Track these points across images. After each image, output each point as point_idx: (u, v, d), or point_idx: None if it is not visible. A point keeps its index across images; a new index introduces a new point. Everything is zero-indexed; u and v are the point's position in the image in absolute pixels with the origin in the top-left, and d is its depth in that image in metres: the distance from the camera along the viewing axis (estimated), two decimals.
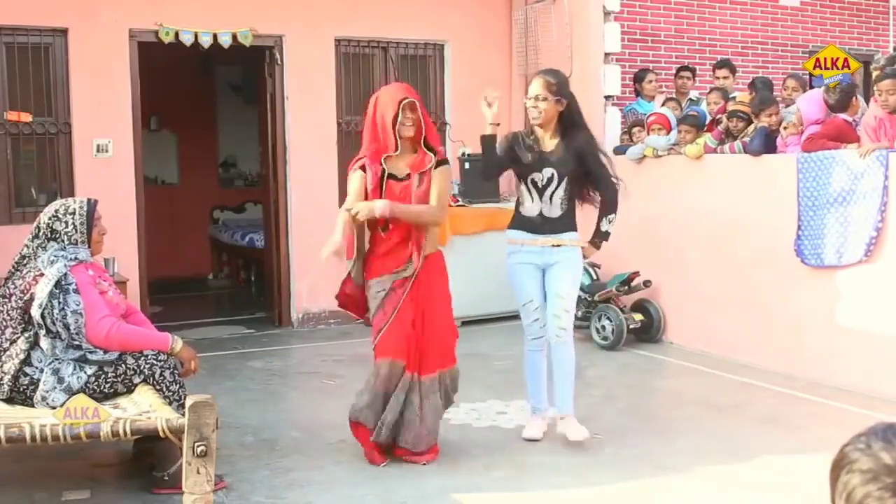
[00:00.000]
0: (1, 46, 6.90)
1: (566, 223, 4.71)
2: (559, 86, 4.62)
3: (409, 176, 4.36)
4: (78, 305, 3.96)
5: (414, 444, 4.37)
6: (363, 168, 4.37)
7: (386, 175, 4.34)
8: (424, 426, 4.37)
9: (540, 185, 4.63)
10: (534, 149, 4.65)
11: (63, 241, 4.10)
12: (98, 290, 4.08)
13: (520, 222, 4.74)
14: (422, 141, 4.39)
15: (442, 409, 4.51)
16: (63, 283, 3.97)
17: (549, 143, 4.68)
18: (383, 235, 4.37)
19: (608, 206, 4.76)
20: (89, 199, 4.30)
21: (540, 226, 4.67)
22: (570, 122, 4.67)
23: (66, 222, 4.13)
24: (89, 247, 4.17)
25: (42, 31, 6.97)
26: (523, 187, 4.69)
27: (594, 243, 4.83)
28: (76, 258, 4.06)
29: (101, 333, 3.97)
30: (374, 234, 4.43)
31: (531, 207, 4.68)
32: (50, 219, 4.15)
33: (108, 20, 7.09)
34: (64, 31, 7.01)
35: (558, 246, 4.67)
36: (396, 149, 4.30)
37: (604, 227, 4.78)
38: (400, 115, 4.26)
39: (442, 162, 4.43)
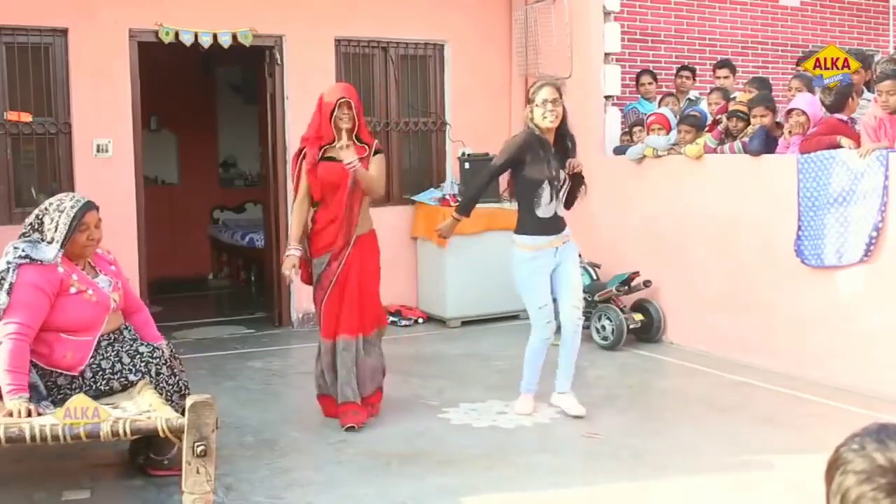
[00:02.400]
0: (1, 46, 6.90)
1: (563, 220, 5.16)
2: (561, 89, 5.10)
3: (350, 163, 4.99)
4: (1, 304, 3.86)
5: (362, 390, 5.06)
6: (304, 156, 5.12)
7: (323, 156, 5.02)
8: (365, 373, 5.06)
9: (557, 185, 5.01)
10: (549, 151, 5.00)
11: (44, 235, 4.01)
12: (76, 290, 3.99)
13: (537, 225, 5.01)
14: (354, 135, 5.05)
15: (380, 359, 5.19)
16: (2, 279, 3.88)
17: (552, 145, 5.06)
18: (323, 210, 5.04)
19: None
20: (87, 202, 4.13)
21: (552, 226, 5.05)
22: (566, 124, 5.12)
23: (52, 218, 4.03)
24: (62, 248, 3.99)
25: (42, 31, 6.97)
26: (545, 189, 4.95)
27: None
28: (28, 257, 3.92)
29: None
30: (316, 212, 5.10)
31: (548, 208, 5.01)
32: (41, 211, 4.08)
33: (108, 20, 7.08)
34: (64, 31, 7.01)
35: (564, 243, 5.11)
36: (334, 140, 4.98)
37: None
38: (336, 110, 4.96)
39: (378, 151, 5.15)
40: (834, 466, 1.24)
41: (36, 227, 4.06)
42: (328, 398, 5.14)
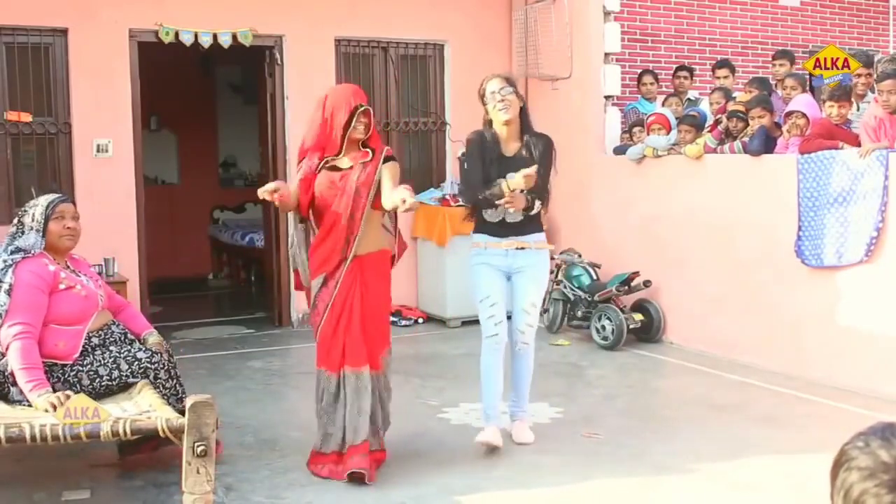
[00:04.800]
0: (1, 46, 6.90)
1: (531, 226, 4.63)
2: (513, 80, 4.63)
3: (351, 168, 4.32)
4: (2, 306, 3.90)
5: (353, 438, 4.19)
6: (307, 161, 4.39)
7: (325, 166, 4.32)
8: (359, 419, 4.20)
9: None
10: (497, 153, 4.57)
11: (23, 231, 4.08)
12: (65, 286, 4.04)
13: (483, 227, 4.67)
14: (360, 142, 4.37)
15: (371, 406, 4.24)
16: (0, 280, 3.94)
17: (512, 146, 4.61)
18: (314, 228, 4.35)
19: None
20: (61, 196, 4.29)
21: (503, 230, 4.61)
22: (527, 123, 4.64)
23: (32, 215, 4.13)
24: (43, 236, 4.08)
25: (42, 31, 6.97)
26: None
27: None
28: (22, 252, 4.01)
29: (3, 339, 3.87)
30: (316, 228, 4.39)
31: (493, 213, 4.59)
32: (21, 213, 4.18)
33: (108, 20, 7.08)
34: (64, 31, 7.01)
35: (522, 248, 4.62)
36: (340, 152, 4.31)
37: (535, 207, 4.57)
38: (354, 120, 4.26)
39: (389, 158, 4.37)
40: (839, 463, 1.26)
41: (17, 226, 4.15)
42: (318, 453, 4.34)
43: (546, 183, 4.59)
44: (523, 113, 4.61)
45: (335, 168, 4.32)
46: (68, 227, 4.18)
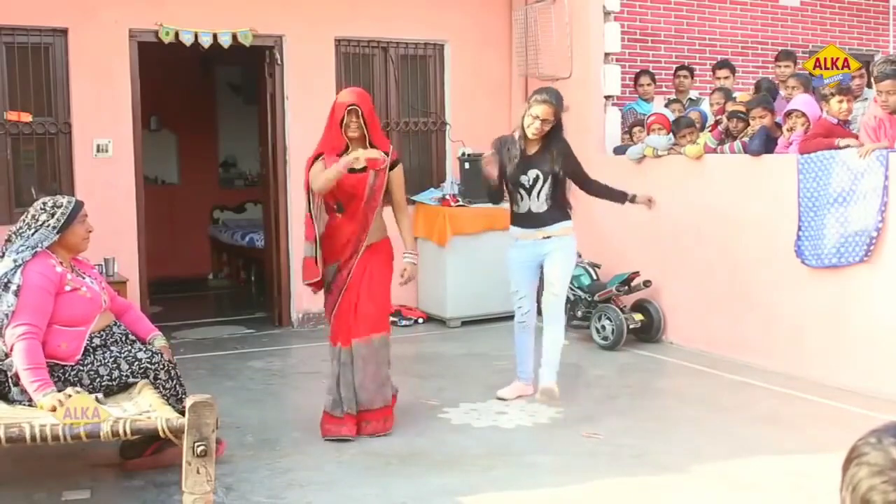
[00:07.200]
0: (1, 46, 6.90)
1: (554, 215, 5.34)
2: (558, 111, 5.25)
3: (365, 169, 4.87)
4: (9, 307, 3.89)
5: (370, 403, 4.84)
6: (322, 160, 4.93)
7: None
8: (369, 385, 4.83)
9: (527, 185, 5.29)
10: (520, 152, 5.30)
11: (40, 229, 4.05)
12: (70, 288, 4.04)
13: (515, 219, 5.43)
14: (367, 141, 4.89)
15: (381, 368, 4.91)
16: (9, 281, 3.92)
17: (534, 147, 5.33)
18: (339, 217, 4.90)
19: (606, 187, 5.68)
20: (77, 200, 4.29)
21: (530, 221, 5.34)
22: (554, 130, 5.31)
23: (53, 214, 4.11)
24: (58, 234, 4.07)
25: (42, 31, 6.97)
26: (513, 188, 5.35)
27: (634, 198, 5.78)
28: (33, 250, 3.99)
29: (8, 340, 3.87)
30: (330, 216, 4.94)
31: (521, 205, 5.36)
32: (37, 210, 4.13)
33: (108, 20, 7.08)
34: (64, 31, 7.01)
35: (548, 238, 5.32)
36: (346, 148, 4.87)
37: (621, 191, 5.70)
38: (345, 118, 4.83)
39: (396, 163, 5.00)
40: (850, 458, 1.26)
41: (30, 224, 4.10)
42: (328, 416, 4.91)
43: (590, 180, 5.60)
44: (557, 125, 5.29)
45: (351, 170, 4.81)
46: (90, 231, 4.22)
